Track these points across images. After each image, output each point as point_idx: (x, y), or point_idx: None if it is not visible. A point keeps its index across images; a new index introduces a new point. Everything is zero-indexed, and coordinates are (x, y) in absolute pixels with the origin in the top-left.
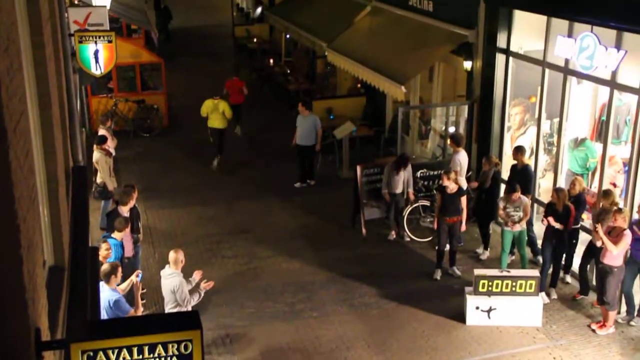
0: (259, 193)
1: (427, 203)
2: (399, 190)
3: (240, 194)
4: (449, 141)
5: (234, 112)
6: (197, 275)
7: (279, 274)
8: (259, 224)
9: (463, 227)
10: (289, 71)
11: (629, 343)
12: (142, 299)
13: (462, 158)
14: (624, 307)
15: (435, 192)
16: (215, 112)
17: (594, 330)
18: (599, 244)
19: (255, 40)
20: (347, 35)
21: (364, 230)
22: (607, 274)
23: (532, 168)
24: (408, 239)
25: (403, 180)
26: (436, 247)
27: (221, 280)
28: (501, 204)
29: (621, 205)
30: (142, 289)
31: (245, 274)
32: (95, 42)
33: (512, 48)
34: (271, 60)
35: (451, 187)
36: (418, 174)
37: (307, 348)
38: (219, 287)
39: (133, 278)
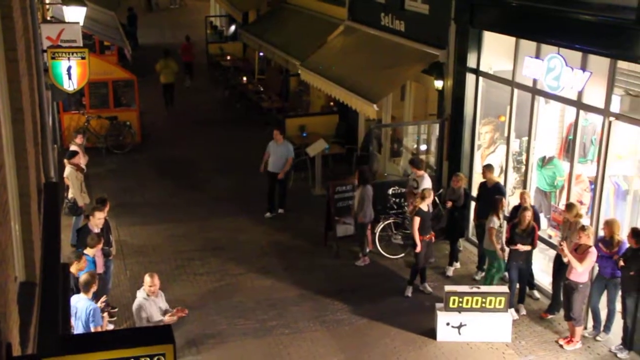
0: (231, 210)
1: (398, 220)
2: (356, 208)
3: (213, 211)
4: (410, 165)
5: (186, 69)
6: (170, 318)
7: (251, 291)
8: (231, 241)
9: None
10: (262, 89)
11: (595, 358)
12: (112, 317)
13: (427, 180)
14: (591, 323)
15: (412, 215)
16: (167, 68)
17: (561, 346)
18: (565, 260)
19: (228, 57)
20: (320, 53)
21: (335, 247)
22: (573, 291)
23: (503, 186)
24: (362, 264)
25: (358, 198)
26: (414, 265)
27: (193, 297)
28: (497, 226)
29: (587, 222)
30: (114, 308)
31: (217, 291)
32: (68, 59)
33: (482, 68)
34: (244, 78)
35: (427, 206)
36: (390, 191)
37: None
38: (191, 304)
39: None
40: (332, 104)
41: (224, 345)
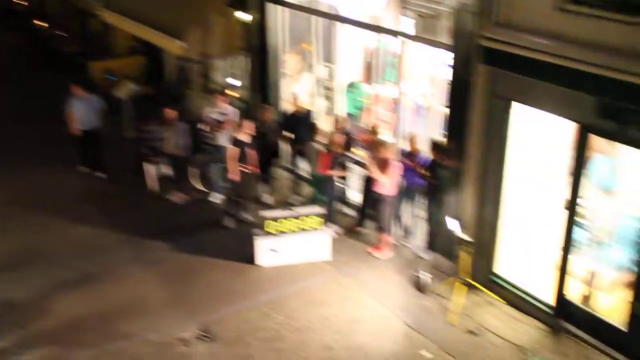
0: (37, 161)
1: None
2: (171, 145)
3: (17, 164)
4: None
5: None
6: None
7: (66, 241)
8: (42, 192)
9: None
10: (61, 33)
11: (402, 261)
12: None
13: (233, 110)
14: (399, 231)
15: (232, 146)
16: None
17: (371, 254)
18: (373, 176)
19: (23, 2)
20: None
21: (151, 187)
22: (379, 202)
23: (313, 112)
24: (181, 201)
25: (171, 135)
26: (234, 197)
27: (2, 256)
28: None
29: (391, 140)
30: None
31: (30, 245)
32: None
33: None
34: (42, 23)
35: (246, 137)
36: (202, 126)
37: (104, 311)
38: (1, 263)
39: None
40: (137, 43)
41: (43, 300)
